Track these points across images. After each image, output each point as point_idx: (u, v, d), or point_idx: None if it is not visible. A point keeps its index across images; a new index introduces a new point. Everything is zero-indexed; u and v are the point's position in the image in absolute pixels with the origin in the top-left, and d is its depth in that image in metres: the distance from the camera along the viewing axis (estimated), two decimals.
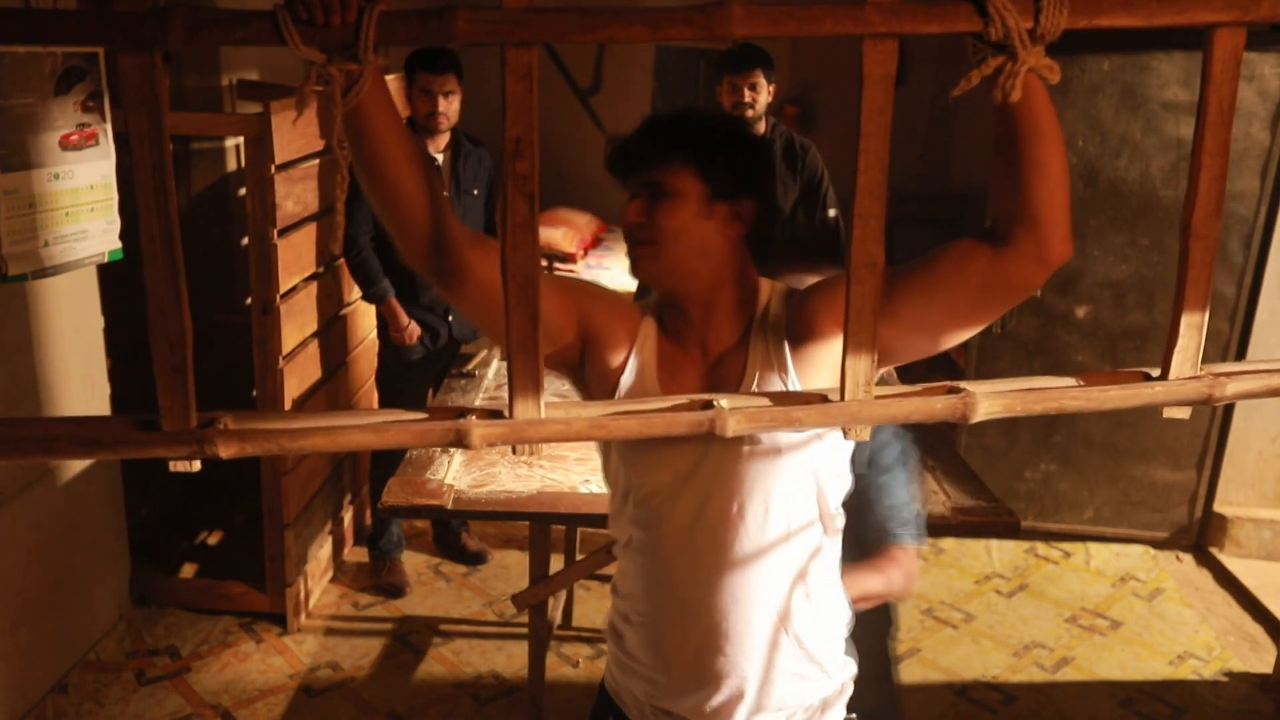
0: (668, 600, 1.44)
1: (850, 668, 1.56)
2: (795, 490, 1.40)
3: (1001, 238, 1.19)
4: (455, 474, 2.56)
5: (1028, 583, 3.76)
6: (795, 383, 1.36)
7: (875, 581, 1.89)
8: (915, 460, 2.06)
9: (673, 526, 1.40)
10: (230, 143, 3.78)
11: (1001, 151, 1.14)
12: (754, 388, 1.36)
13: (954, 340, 1.31)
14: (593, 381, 1.42)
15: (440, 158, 3.34)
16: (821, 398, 1.07)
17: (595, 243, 5.47)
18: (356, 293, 3.60)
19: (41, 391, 2.71)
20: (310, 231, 3.27)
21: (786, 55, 5.73)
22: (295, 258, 3.15)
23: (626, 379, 1.39)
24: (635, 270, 1.40)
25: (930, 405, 1.07)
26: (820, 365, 1.36)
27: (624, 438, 1.19)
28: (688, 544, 1.40)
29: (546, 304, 1.15)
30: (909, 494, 1.98)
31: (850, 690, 1.56)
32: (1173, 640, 3.45)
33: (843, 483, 1.45)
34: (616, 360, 1.40)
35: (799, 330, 1.37)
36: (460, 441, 1.02)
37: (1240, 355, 3.76)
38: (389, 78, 3.71)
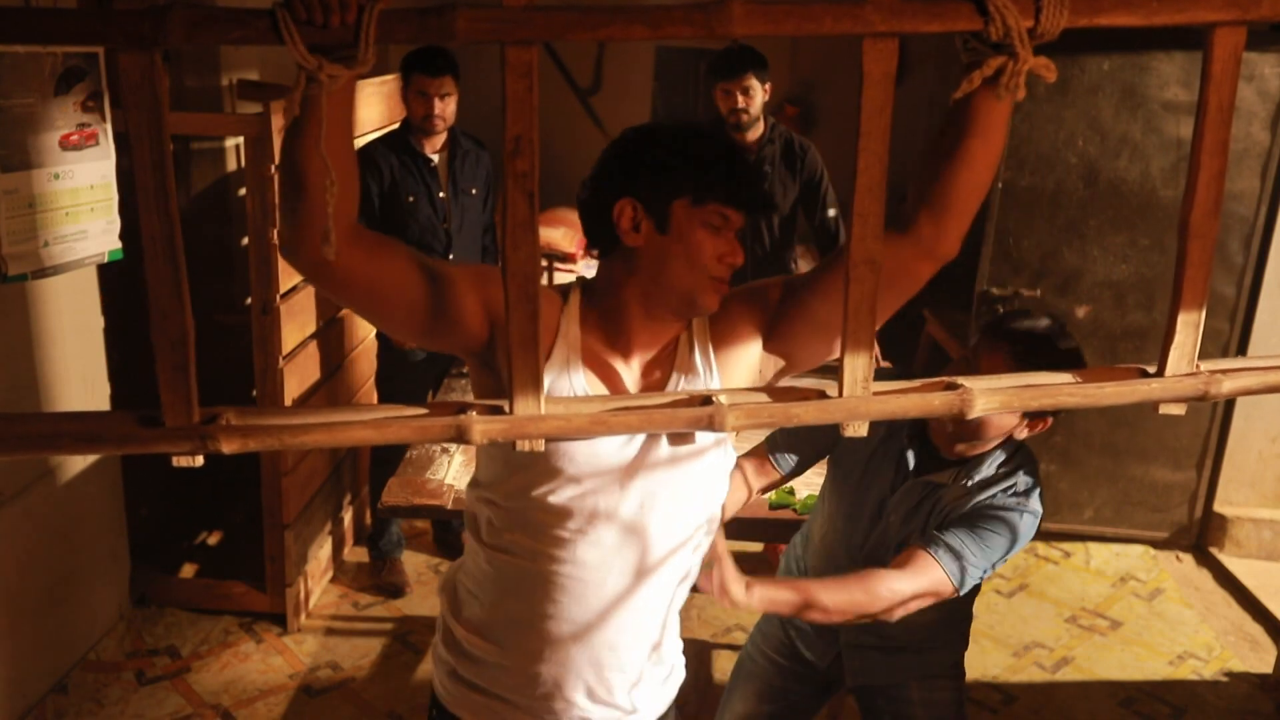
0: (556, 605, 1.38)
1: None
2: (696, 494, 1.39)
3: (903, 224, 1.22)
4: (455, 474, 2.56)
5: (1028, 583, 3.76)
6: (716, 383, 1.36)
7: (909, 583, 1.72)
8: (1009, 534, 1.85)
9: (577, 529, 1.35)
10: (230, 143, 3.79)
11: (941, 140, 1.17)
12: (678, 388, 1.35)
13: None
14: (504, 366, 1.34)
15: (436, 158, 3.33)
16: (820, 394, 1.07)
17: None
18: None
19: (41, 391, 2.71)
20: None
21: (786, 54, 5.73)
22: None
23: (551, 373, 1.32)
24: (716, 304, 1.35)
25: (928, 401, 1.07)
26: (737, 367, 1.38)
27: (624, 433, 1.20)
28: (589, 549, 1.35)
29: (452, 293, 1.22)
30: (988, 551, 1.82)
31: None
32: (1173, 640, 3.45)
33: (724, 490, 1.45)
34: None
35: (721, 333, 1.38)
36: (461, 437, 1.03)
37: (1240, 355, 3.76)
38: (386, 78, 3.74)
